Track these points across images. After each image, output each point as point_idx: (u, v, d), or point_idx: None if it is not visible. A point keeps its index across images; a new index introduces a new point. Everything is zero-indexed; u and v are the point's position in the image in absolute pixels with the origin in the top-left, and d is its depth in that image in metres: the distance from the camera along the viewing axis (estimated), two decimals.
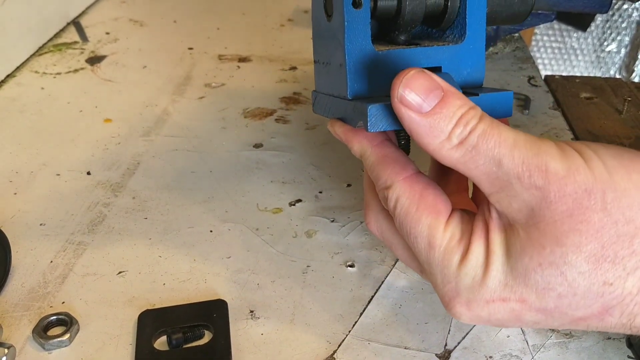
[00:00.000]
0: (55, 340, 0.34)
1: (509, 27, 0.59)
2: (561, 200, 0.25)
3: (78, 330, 0.35)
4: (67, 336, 0.34)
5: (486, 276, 0.27)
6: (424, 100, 0.26)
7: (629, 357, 0.34)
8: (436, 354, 0.34)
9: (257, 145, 0.53)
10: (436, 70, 0.32)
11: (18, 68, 0.66)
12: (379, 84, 0.31)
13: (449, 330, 0.36)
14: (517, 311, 0.27)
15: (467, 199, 0.35)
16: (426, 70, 0.27)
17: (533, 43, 1.41)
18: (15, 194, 0.47)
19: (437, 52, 0.31)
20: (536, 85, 0.64)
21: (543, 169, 0.25)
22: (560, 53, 1.43)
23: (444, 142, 0.26)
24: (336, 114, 0.33)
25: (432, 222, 0.28)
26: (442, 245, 0.28)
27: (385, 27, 0.32)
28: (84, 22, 0.77)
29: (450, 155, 0.27)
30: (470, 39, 0.32)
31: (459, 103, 0.27)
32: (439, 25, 0.32)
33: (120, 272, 0.40)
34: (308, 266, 0.40)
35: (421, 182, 0.30)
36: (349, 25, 0.29)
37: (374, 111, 0.28)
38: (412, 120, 0.27)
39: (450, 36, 0.33)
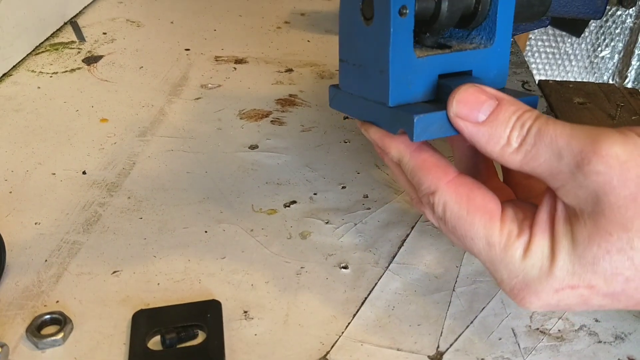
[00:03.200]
0: (49, 339, 0.34)
1: None
2: (625, 184, 0.25)
3: (72, 329, 0.35)
4: (60, 335, 0.34)
5: (553, 266, 0.27)
6: (479, 111, 0.28)
7: None
8: (428, 356, 0.35)
9: (253, 147, 0.54)
10: (467, 74, 0.32)
11: (15, 67, 0.66)
12: (416, 89, 0.31)
13: (442, 332, 0.36)
14: (585, 296, 0.28)
15: (499, 183, 0.35)
16: (477, 84, 0.28)
17: (527, 48, 1.41)
18: (10, 192, 0.47)
19: (469, 57, 0.32)
20: (530, 90, 0.65)
21: (603, 155, 0.25)
22: (554, 58, 1.44)
23: (505, 147, 0.27)
24: (364, 116, 0.32)
25: (487, 222, 0.29)
26: (502, 243, 0.29)
27: (415, 28, 0.31)
28: (81, 22, 0.77)
29: (513, 159, 0.27)
30: (498, 42, 0.32)
31: (513, 108, 0.28)
32: (467, 26, 0.32)
33: (114, 272, 0.40)
34: (302, 267, 0.41)
35: (466, 183, 0.30)
36: (394, 33, 0.29)
37: (420, 122, 0.29)
38: (471, 131, 0.28)
39: (476, 37, 0.33)
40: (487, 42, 0.32)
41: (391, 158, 0.32)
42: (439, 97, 0.31)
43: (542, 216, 0.28)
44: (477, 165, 0.35)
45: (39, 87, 0.62)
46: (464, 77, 0.32)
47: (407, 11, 0.29)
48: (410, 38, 0.30)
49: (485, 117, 0.28)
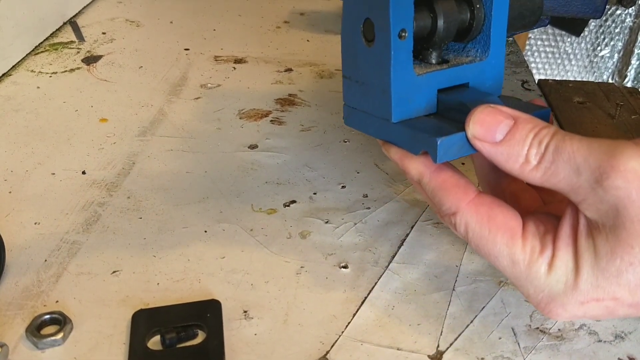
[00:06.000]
0: (49, 339, 0.34)
1: None
2: None
3: (72, 329, 0.35)
4: (60, 335, 0.34)
5: (578, 280, 0.28)
6: (496, 131, 0.28)
7: (619, 359, 0.35)
8: (428, 355, 0.35)
9: (252, 146, 0.54)
10: (464, 86, 0.33)
11: (14, 67, 0.66)
12: (417, 105, 0.32)
13: (441, 331, 0.36)
14: (610, 307, 0.28)
15: (523, 185, 0.35)
16: (493, 104, 0.29)
17: (527, 47, 1.41)
18: (10, 192, 0.47)
19: (466, 70, 0.33)
20: (530, 90, 0.65)
21: (621, 169, 0.25)
22: (553, 57, 1.43)
23: (524, 165, 0.28)
24: (381, 135, 0.33)
25: (509, 240, 0.29)
26: (526, 260, 0.29)
27: (416, 46, 0.33)
28: (80, 21, 0.77)
29: (533, 176, 0.28)
30: (493, 53, 0.33)
31: (529, 126, 0.28)
32: (463, 39, 0.34)
33: (114, 272, 0.40)
34: (302, 267, 0.41)
35: (486, 202, 0.30)
36: (395, 55, 0.30)
37: (443, 145, 0.29)
38: (489, 151, 0.29)
39: (472, 50, 0.34)
40: (483, 54, 0.33)
41: (411, 178, 0.33)
42: (440, 110, 0.33)
43: (565, 230, 0.29)
44: (500, 170, 0.35)
45: (38, 87, 0.62)
46: (462, 89, 0.33)
47: (407, 34, 0.30)
48: (410, 58, 0.31)
49: (503, 137, 0.28)
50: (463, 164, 0.51)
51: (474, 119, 0.29)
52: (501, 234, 0.29)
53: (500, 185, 0.36)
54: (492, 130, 0.28)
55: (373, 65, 0.31)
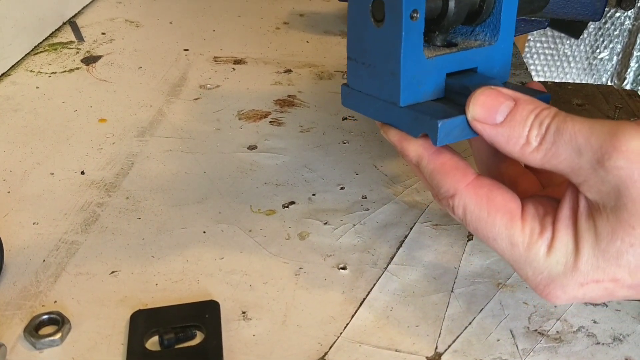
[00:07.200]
0: (47, 339, 0.34)
1: None
2: None
3: (70, 329, 0.35)
4: (58, 335, 0.34)
5: (578, 261, 0.28)
6: (496, 112, 0.28)
7: None
8: (427, 357, 0.35)
9: (251, 147, 0.54)
10: (472, 71, 0.33)
11: (13, 67, 0.66)
12: (425, 89, 0.31)
13: (440, 333, 0.36)
14: (610, 289, 0.28)
15: (521, 168, 0.35)
16: (493, 86, 0.29)
17: (526, 49, 1.42)
18: (8, 192, 0.47)
19: (475, 54, 0.33)
20: None
21: (623, 150, 0.25)
22: (552, 60, 1.44)
23: (525, 147, 0.28)
24: (380, 117, 0.33)
25: (508, 222, 0.29)
26: (525, 242, 0.29)
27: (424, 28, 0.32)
28: (79, 22, 0.77)
29: (534, 157, 0.28)
30: (502, 38, 0.33)
31: (530, 107, 0.28)
32: (472, 22, 0.33)
33: (113, 272, 0.40)
34: (300, 268, 0.41)
35: (485, 185, 0.30)
36: (406, 37, 0.29)
37: (444, 127, 0.29)
38: (489, 133, 0.28)
39: (481, 34, 0.33)
40: (492, 38, 0.33)
41: (410, 160, 0.32)
42: (447, 95, 0.32)
43: (565, 212, 0.28)
44: (498, 153, 0.35)
45: (37, 87, 0.62)
46: (470, 74, 0.33)
47: (418, 15, 0.29)
48: (420, 40, 0.30)
49: (503, 118, 0.28)
50: None
51: (474, 100, 0.29)
52: (500, 215, 0.29)
53: (499, 170, 0.36)
54: (493, 111, 0.28)
55: (382, 46, 0.31)
